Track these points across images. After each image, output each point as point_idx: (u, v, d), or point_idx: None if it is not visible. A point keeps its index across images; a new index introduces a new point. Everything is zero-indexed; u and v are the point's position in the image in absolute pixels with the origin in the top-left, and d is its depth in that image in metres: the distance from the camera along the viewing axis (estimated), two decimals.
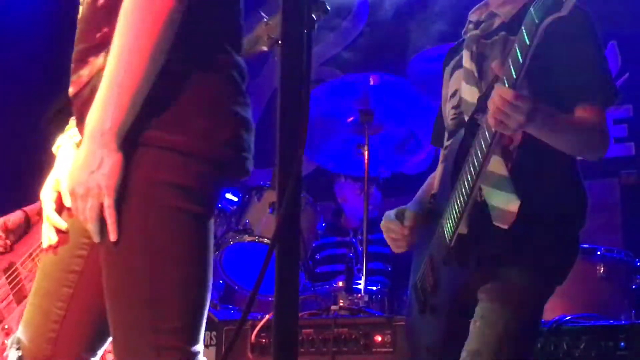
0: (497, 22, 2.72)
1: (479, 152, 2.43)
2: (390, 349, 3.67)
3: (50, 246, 2.11)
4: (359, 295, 4.30)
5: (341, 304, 4.16)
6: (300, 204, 1.38)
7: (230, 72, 1.96)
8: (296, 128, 1.41)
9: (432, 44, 4.90)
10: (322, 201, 5.48)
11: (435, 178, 2.89)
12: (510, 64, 2.29)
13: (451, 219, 2.56)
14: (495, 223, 2.46)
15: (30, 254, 2.93)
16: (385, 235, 2.89)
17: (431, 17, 5.98)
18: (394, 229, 2.83)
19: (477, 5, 2.83)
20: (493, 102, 2.32)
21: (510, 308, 2.53)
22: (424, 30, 5.90)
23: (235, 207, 4.74)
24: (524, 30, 2.24)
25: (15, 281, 2.95)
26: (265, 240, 4.51)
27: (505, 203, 2.46)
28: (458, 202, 2.53)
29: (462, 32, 2.85)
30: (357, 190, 5.28)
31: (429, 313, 2.72)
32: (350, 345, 3.73)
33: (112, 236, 1.85)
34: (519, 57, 2.26)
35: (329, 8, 1.58)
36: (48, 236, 2.11)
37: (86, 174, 1.83)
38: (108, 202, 1.83)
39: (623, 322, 3.66)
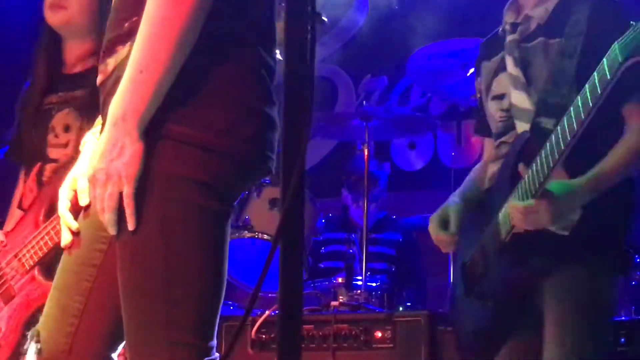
0: (533, 25, 2.72)
1: (548, 158, 2.44)
2: (391, 345, 3.68)
3: (65, 246, 2.11)
4: (359, 291, 4.30)
5: (341, 300, 4.16)
6: (304, 200, 1.38)
7: (258, 69, 1.93)
8: (300, 126, 1.41)
9: (431, 41, 4.89)
10: (325, 197, 5.49)
11: (485, 171, 2.90)
12: (588, 91, 2.31)
13: (509, 216, 2.58)
14: (556, 230, 2.49)
15: (16, 254, 2.92)
16: (434, 241, 2.91)
17: (429, 13, 5.99)
18: (442, 239, 2.86)
19: (509, 3, 2.82)
20: (515, 218, 2.49)
21: (584, 311, 2.56)
22: (423, 27, 5.90)
23: (235, 203, 4.73)
24: (605, 65, 2.25)
25: (2, 281, 2.94)
26: (265, 237, 4.51)
27: (568, 211, 2.50)
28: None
29: (500, 30, 2.85)
30: (356, 201, 5.29)
31: (475, 297, 2.74)
32: (350, 341, 3.73)
33: (130, 225, 1.82)
34: (598, 88, 2.28)
35: (325, 19, 1.57)
36: (64, 236, 2.12)
37: (107, 161, 1.81)
38: (127, 191, 1.81)
39: (623, 318, 3.68)
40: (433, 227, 2.87)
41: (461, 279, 2.86)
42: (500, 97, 2.80)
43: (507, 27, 2.79)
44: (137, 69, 1.81)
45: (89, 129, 2.54)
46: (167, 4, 1.80)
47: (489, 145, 2.95)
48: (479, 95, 3.01)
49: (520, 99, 2.68)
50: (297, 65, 1.37)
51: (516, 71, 2.70)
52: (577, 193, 2.50)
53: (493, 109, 2.84)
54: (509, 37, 2.77)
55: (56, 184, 2.88)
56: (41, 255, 2.86)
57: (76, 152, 2.67)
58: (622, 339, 3.47)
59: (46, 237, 2.83)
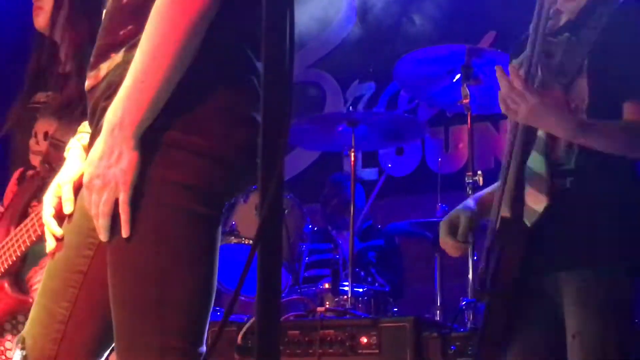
0: (563, 20, 2.72)
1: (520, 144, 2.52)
2: (376, 351, 3.68)
3: (50, 253, 2.10)
4: (345, 297, 4.30)
5: (327, 306, 4.16)
6: (282, 204, 1.38)
7: (249, 77, 1.94)
8: (279, 129, 1.41)
9: (418, 47, 4.90)
10: (312, 203, 5.50)
11: None
12: None
13: (497, 203, 2.61)
14: (524, 220, 2.51)
15: None
16: (442, 245, 2.85)
17: (417, 19, 6.00)
18: (448, 243, 2.79)
19: None
20: (505, 85, 2.47)
21: (608, 317, 2.53)
22: (411, 32, 5.92)
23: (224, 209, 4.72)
24: None
25: None
26: (250, 242, 4.51)
27: (533, 201, 2.50)
28: (500, 188, 2.60)
29: (530, 26, 2.86)
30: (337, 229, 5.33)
31: (490, 293, 2.71)
32: (336, 347, 3.73)
33: (125, 232, 1.83)
34: None
35: None
36: (48, 243, 2.11)
37: (104, 167, 1.82)
38: (123, 198, 1.82)
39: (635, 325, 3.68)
40: (441, 232, 2.82)
41: (479, 284, 2.81)
42: None
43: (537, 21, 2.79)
44: (138, 78, 1.82)
45: (65, 133, 2.55)
46: (173, 14, 1.81)
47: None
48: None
49: None
50: (275, 72, 1.37)
51: (530, 62, 2.69)
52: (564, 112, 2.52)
53: None
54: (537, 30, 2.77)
55: (25, 192, 2.89)
56: (10, 264, 2.83)
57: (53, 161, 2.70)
58: None
59: (15, 246, 2.81)
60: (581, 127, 2.53)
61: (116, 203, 1.84)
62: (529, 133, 2.59)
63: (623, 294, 2.57)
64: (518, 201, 2.57)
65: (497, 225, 2.59)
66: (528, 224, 2.55)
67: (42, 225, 2.72)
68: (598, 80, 2.52)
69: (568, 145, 2.57)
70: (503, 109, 2.52)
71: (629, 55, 2.55)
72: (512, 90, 2.48)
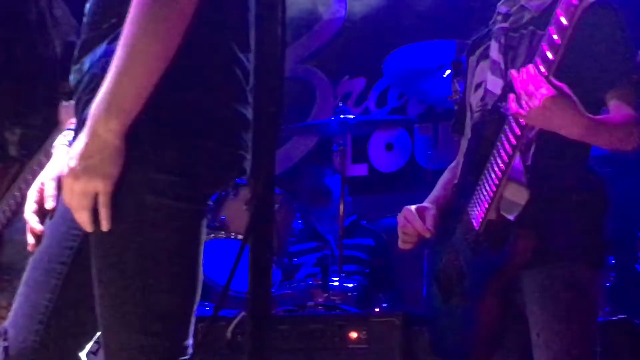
0: (526, 16, 2.72)
1: (508, 144, 2.46)
2: (365, 345, 3.68)
3: (31, 247, 2.10)
4: (335, 292, 4.31)
5: (317, 301, 4.17)
6: (274, 199, 1.38)
7: (232, 69, 1.94)
8: (270, 124, 1.42)
9: (407, 42, 4.90)
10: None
11: (455, 168, 2.91)
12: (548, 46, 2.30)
13: (479, 206, 2.59)
14: (502, 212, 2.50)
15: None
16: (399, 227, 2.85)
17: (406, 14, 6.00)
18: (413, 222, 2.79)
19: None
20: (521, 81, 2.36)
21: (570, 312, 2.54)
22: (401, 28, 5.91)
23: (211, 203, 4.72)
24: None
25: None
26: (240, 237, 4.50)
27: (513, 194, 2.49)
28: (486, 189, 2.56)
29: (490, 23, 2.86)
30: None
31: (458, 299, 2.71)
32: (325, 342, 3.73)
33: (105, 226, 1.83)
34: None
35: None
36: (28, 238, 2.11)
37: (86, 159, 1.82)
38: (105, 190, 1.82)
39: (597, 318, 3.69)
40: (407, 214, 2.81)
41: (437, 290, 2.83)
42: (479, 85, 2.81)
43: (499, 17, 2.79)
44: (120, 72, 1.81)
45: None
46: (152, 8, 1.80)
47: (464, 144, 2.96)
48: (456, 96, 3.03)
49: (494, 84, 2.69)
50: (267, 68, 1.38)
51: (498, 57, 2.70)
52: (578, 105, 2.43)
53: (474, 101, 2.84)
54: (499, 25, 2.77)
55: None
56: None
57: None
58: None
59: None
60: (592, 125, 2.48)
61: (97, 196, 1.83)
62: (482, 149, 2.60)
63: (584, 289, 2.58)
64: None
65: (482, 228, 2.59)
66: (509, 217, 2.53)
67: (11, 209, 2.74)
68: (570, 76, 2.49)
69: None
70: (513, 108, 2.41)
71: (601, 52, 2.57)
72: (528, 83, 2.36)
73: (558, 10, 2.26)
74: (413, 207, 2.84)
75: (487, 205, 2.56)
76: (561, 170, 2.62)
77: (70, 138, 2.19)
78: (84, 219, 1.85)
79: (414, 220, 2.79)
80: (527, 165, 2.52)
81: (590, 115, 2.46)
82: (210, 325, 1.71)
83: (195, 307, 1.93)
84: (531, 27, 2.68)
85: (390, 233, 5.46)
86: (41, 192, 2.17)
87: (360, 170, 6.45)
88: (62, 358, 2.06)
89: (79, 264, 1.99)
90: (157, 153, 1.85)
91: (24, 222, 2.16)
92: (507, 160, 2.46)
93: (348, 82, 6.71)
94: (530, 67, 2.34)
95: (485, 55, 2.80)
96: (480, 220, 2.59)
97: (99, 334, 1.98)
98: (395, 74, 5.10)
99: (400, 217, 2.85)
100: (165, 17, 1.81)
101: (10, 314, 2.10)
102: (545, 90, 2.32)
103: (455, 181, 2.86)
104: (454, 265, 2.73)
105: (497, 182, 2.51)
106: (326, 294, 4.30)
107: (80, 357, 2.10)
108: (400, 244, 2.88)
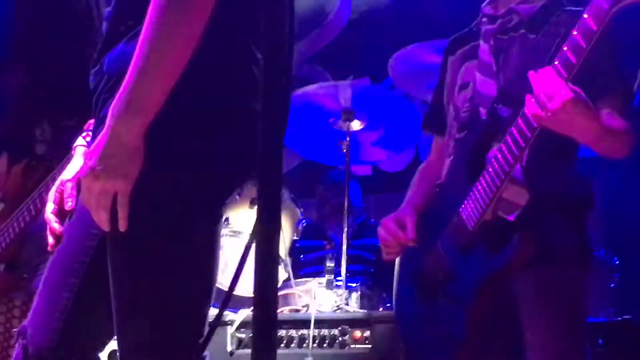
0: (515, 19, 2.72)
1: (515, 145, 2.44)
2: (369, 345, 3.68)
3: (50, 247, 2.11)
4: (339, 291, 4.30)
5: (319, 301, 4.16)
6: (281, 199, 1.38)
7: (251, 68, 1.94)
8: (277, 123, 1.41)
9: (413, 42, 4.90)
10: (306, 197, 5.49)
11: (440, 168, 2.89)
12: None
13: (475, 206, 2.58)
14: (500, 213, 2.50)
15: None
16: (380, 240, 2.86)
17: (413, 14, 6.00)
18: (394, 235, 2.80)
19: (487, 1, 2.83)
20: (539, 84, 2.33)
21: (558, 314, 2.56)
22: (406, 27, 5.91)
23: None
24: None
25: None
26: (245, 236, 4.50)
27: (513, 195, 2.49)
28: (485, 190, 2.55)
29: (474, 24, 2.86)
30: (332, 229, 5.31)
31: (444, 301, 2.70)
32: (329, 342, 3.73)
33: (122, 225, 1.83)
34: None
35: None
36: (48, 238, 2.13)
37: (105, 159, 1.81)
38: (123, 190, 1.81)
39: (601, 319, 3.70)
40: (388, 227, 2.82)
41: (417, 289, 2.82)
42: (465, 86, 2.80)
43: (485, 19, 2.80)
44: (141, 70, 1.80)
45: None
46: (170, 8, 1.80)
47: (438, 142, 2.95)
48: (437, 92, 3.02)
49: (486, 86, 2.69)
50: (275, 64, 1.37)
51: (489, 58, 2.70)
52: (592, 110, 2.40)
53: (459, 101, 2.83)
54: (487, 27, 2.77)
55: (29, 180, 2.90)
56: (4, 247, 2.86)
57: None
58: (600, 340, 3.50)
59: (10, 229, 2.83)
60: (603, 130, 2.46)
61: (116, 195, 1.83)
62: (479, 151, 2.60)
63: (575, 291, 2.60)
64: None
65: (476, 229, 2.59)
66: (508, 217, 2.53)
67: (36, 207, 2.74)
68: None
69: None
70: (531, 110, 2.37)
71: (595, 59, 2.55)
72: (547, 86, 2.33)
73: (586, 15, 2.22)
74: (391, 218, 2.84)
75: (484, 206, 2.56)
76: (552, 172, 2.63)
77: (89, 139, 2.20)
78: (102, 219, 1.85)
79: (395, 232, 2.81)
80: (523, 167, 2.52)
81: (601, 121, 2.45)
82: (215, 325, 1.70)
83: (209, 306, 1.94)
84: (522, 31, 2.68)
85: None
86: (61, 192, 2.18)
87: (364, 170, 6.45)
88: (81, 357, 2.06)
89: (97, 263, 1.99)
90: (176, 153, 1.86)
91: (44, 222, 2.17)
92: (513, 162, 2.46)
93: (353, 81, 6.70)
94: (550, 69, 2.32)
95: (472, 56, 2.80)
96: (476, 220, 2.59)
97: None
98: (400, 74, 5.09)
99: (380, 230, 2.86)
100: (184, 17, 1.81)
101: (30, 313, 2.11)
102: (566, 93, 2.29)
103: (441, 180, 2.85)
104: (439, 266, 2.72)
105: (499, 183, 2.51)
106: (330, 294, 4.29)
107: (99, 357, 2.10)
108: (384, 256, 2.89)
